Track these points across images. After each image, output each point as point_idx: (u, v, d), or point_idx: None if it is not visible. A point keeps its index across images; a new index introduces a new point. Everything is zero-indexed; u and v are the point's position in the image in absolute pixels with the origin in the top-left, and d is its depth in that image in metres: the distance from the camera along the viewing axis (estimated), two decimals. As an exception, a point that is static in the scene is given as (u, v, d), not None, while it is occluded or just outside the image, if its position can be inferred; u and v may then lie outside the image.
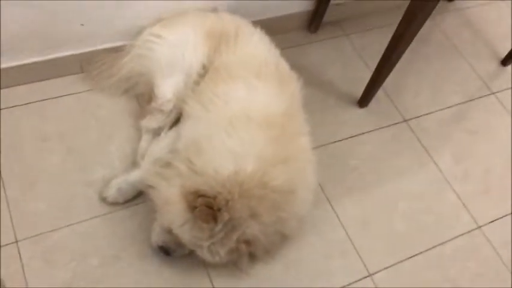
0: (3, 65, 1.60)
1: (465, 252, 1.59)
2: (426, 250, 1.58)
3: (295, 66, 1.61)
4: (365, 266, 1.51)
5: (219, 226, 1.26)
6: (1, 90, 1.64)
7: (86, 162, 1.55)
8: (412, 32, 1.52)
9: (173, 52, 1.58)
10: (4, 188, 1.46)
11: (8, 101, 1.63)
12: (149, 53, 1.61)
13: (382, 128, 1.85)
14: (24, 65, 1.62)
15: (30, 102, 1.65)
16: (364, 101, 1.85)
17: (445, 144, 1.86)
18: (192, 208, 1.26)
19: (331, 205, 1.62)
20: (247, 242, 1.32)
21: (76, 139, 1.59)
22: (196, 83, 1.56)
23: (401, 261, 1.54)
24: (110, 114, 1.66)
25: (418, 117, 1.91)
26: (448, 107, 1.98)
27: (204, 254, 1.31)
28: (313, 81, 1.88)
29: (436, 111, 1.95)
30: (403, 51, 1.62)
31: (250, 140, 1.34)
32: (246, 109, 1.40)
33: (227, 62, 1.53)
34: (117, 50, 1.67)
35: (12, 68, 1.61)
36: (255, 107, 1.41)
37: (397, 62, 1.67)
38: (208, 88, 1.49)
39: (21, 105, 1.64)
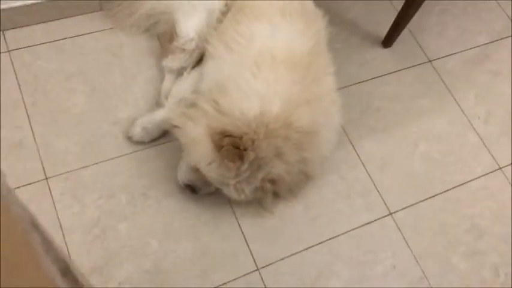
0: (21, 3, 1.57)
1: (485, 193, 1.61)
2: (446, 190, 1.60)
3: (318, 3, 1.57)
4: (385, 204, 1.54)
5: (245, 165, 1.28)
6: (20, 29, 1.63)
7: (110, 101, 1.56)
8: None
9: (195, -11, 1.54)
10: (31, 126, 1.48)
11: (28, 40, 1.62)
12: (170, -10, 1.57)
13: (406, 68, 1.82)
14: (42, 2, 1.59)
15: (48, 42, 1.63)
16: (388, 40, 1.81)
17: (468, 85, 1.83)
18: (219, 147, 1.28)
19: (352, 145, 1.63)
20: (272, 181, 1.35)
21: (99, 78, 1.59)
22: (219, 21, 1.53)
23: (422, 201, 1.57)
24: (131, 54, 1.65)
25: (442, 57, 1.88)
26: (473, 47, 1.93)
27: (230, 192, 1.34)
28: (336, 19, 1.83)
29: (461, 51, 1.91)
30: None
31: (275, 81, 1.33)
32: (271, 48, 1.38)
33: (250, -1, 1.50)
34: (137, -13, 1.63)
35: (30, 5, 1.58)
36: (280, 46, 1.39)
37: (422, 3, 1.61)
38: (232, 27, 1.46)
39: (42, 44, 1.62)
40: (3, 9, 1.55)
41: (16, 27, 1.62)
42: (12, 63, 1.57)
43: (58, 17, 1.66)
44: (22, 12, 1.58)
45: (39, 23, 1.64)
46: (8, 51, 1.58)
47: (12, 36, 1.61)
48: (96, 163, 1.46)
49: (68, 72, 1.58)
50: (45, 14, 1.63)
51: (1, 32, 1.60)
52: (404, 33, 1.83)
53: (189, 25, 1.54)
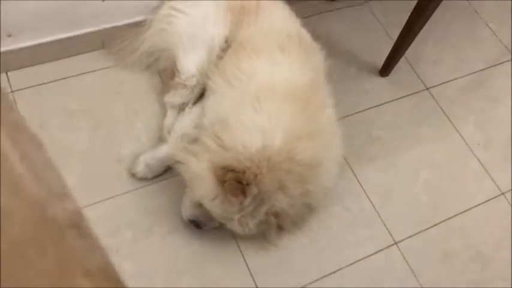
0: (24, 44, 1.60)
1: (489, 219, 1.62)
2: (449, 218, 1.60)
3: (315, 35, 1.60)
4: (390, 234, 1.54)
5: (248, 200, 1.28)
6: (23, 70, 1.65)
7: (113, 138, 1.58)
8: (435, 3, 1.50)
9: (194, 26, 1.57)
10: (35, 166, 1.49)
11: (31, 80, 1.64)
12: (170, 27, 1.60)
13: (404, 96, 1.84)
14: (45, 43, 1.62)
15: (51, 81, 1.65)
16: (385, 70, 1.84)
17: (467, 111, 1.86)
18: (222, 183, 1.29)
19: (355, 175, 1.64)
20: (276, 214, 1.35)
21: (102, 116, 1.61)
22: (219, 57, 1.56)
23: (426, 230, 1.57)
24: (133, 90, 1.67)
25: (439, 85, 1.91)
26: (470, 74, 1.97)
27: (234, 226, 1.34)
28: (333, 51, 1.84)
29: (458, 78, 1.94)
30: (426, 21, 1.60)
31: (276, 115, 1.35)
32: (271, 83, 1.40)
33: (250, 35, 1.53)
34: (137, 25, 1.67)
35: (32, 46, 1.61)
36: (280, 81, 1.41)
37: (419, 31, 1.65)
38: (232, 63, 1.49)
39: (45, 83, 1.64)
40: (7, 51, 1.58)
41: (19, 68, 1.65)
42: (15, 103, 1.59)
43: (61, 56, 1.69)
44: (25, 53, 1.61)
45: (42, 63, 1.67)
46: (12, 91, 1.61)
47: (16, 76, 1.64)
48: (101, 201, 1.47)
49: (71, 110, 1.60)
50: (48, 53, 1.66)
51: (5, 73, 1.63)
52: (401, 62, 1.87)
53: (190, 61, 1.56)
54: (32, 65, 1.66)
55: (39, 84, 1.64)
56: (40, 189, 0.50)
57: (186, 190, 1.42)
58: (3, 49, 1.56)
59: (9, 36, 1.55)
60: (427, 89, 1.88)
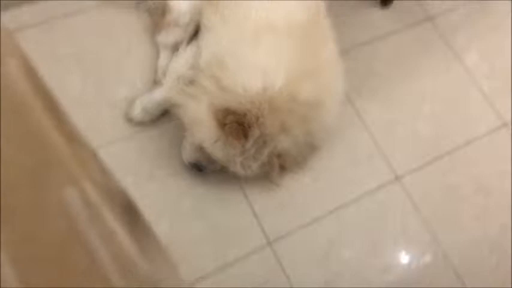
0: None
1: (491, 151, 1.61)
2: (452, 150, 1.59)
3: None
4: (392, 169, 1.54)
5: (251, 142, 1.26)
6: (7, 11, 1.55)
7: (106, 82, 1.52)
8: None
9: (185, -42, 1.47)
10: (28, 114, 1.44)
11: (16, 23, 1.55)
12: (158, -40, 1.50)
13: (406, 27, 1.77)
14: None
15: (37, 23, 1.57)
16: (386, 0, 1.76)
17: (471, 40, 1.79)
18: (223, 125, 1.25)
19: (356, 111, 1.61)
20: (279, 155, 1.33)
21: (92, 59, 1.54)
22: (213, -9, 1.47)
23: (428, 163, 1.56)
24: (123, 31, 1.59)
25: (442, 13, 1.83)
26: (475, 0, 1.88)
27: (237, 168, 1.33)
28: (331, -20, 1.78)
29: (461, 6, 1.86)
30: None
31: (276, 53, 1.29)
32: (270, 18, 1.33)
33: (245, -33, 1.43)
34: (124, -40, 1.56)
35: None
36: (279, 16, 1.34)
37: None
38: (227, -3, 1.41)
39: (28, 27, 1.56)
40: (-14, -8, 1.48)
41: (2, 10, 1.55)
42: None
43: (44, -4, 1.59)
44: (5, -6, 1.52)
45: (24, 5, 1.57)
46: (-5, 35, 1.52)
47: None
48: (99, 147, 1.43)
49: (60, 54, 1.53)
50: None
51: (-14, 17, 1.54)
52: (403, -9, 1.78)
53: (181, -2, 1.48)
54: (14, 7, 1.56)
55: (23, 27, 1.55)
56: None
57: (185, 133, 1.39)
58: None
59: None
60: (430, 18, 1.81)
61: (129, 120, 1.47)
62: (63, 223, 0.42)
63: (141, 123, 1.47)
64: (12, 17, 1.55)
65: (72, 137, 0.48)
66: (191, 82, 1.38)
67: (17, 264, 0.39)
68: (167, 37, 1.52)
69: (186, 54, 1.47)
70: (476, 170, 1.58)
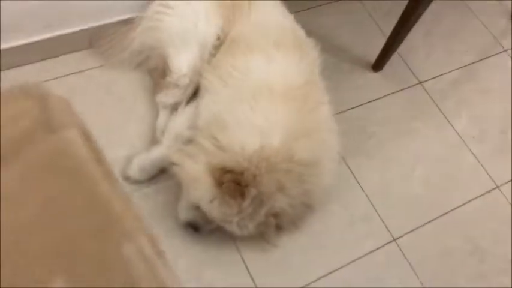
0: (9, 44, 1.54)
1: (485, 213, 1.62)
2: (446, 212, 1.60)
3: (306, 30, 1.58)
4: (389, 231, 1.54)
5: (248, 202, 1.26)
6: (8, 71, 1.59)
7: (105, 141, 1.48)
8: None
9: (185, 23, 1.53)
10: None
11: (16, 82, 1.58)
12: (160, 25, 1.55)
13: (397, 91, 1.83)
14: (31, 43, 1.56)
15: (41, 81, 1.59)
16: (378, 65, 1.83)
17: (460, 105, 1.86)
18: (220, 184, 1.26)
19: (351, 172, 1.62)
20: (275, 215, 1.33)
21: (91, 118, 1.53)
22: (212, 54, 1.52)
23: (423, 225, 1.57)
24: (123, 91, 1.63)
25: (431, 78, 1.90)
26: (461, 67, 1.96)
27: (233, 228, 1.32)
28: (325, 46, 1.80)
29: (450, 71, 1.94)
30: (420, 15, 1.59)
31: (273, 114, 1.32)
32: (267, 81, 1.38)
33: (243, 32, 1.50)
34: (126, 23, 1.61)
35: (18, 47, 1.55)
36: (276, 79, 1.38)
37: (413, 26, 1.64)
38: (226, 60, 1.46)
39: (30, 84, 1.59)
40: (-8, 52, 1.52)
41: (4, 70, 1.59)
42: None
43: (47, 56, 1.63)
44: (9, 54, 1.55)
45: (28, 63, 1.61)
46: None
47: (4, 77, 1.58)
48: (94, 205, 1.43)
49: (59, 113, 1.55)
50: (34, 54, 1.60)
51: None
52: (394, 57, 1.85)
53: (182, 60, 1.52)
54: (17, 66, 1.60)
55: (25, 86, 1.58)
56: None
57: (182, 192, 1.39)
58: (-14, 50, 1.50)
59: (-9, 36, 1.49)
60: (420, 83, 1.87)
61: (126, 178, 1.47)
62: (124, 274, 0.47)
63: (137, 182, 1.47)
64: (14, 75, 1.59)
65: (124, 196, 0.51)
66: (189, 141, 1.40)
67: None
68: (167, 97, 1.55)
69: (185, 114, 1.50)
70: (471, 232, 1.58)
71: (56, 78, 1.61)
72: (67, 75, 1.63)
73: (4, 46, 1.53)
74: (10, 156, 0.47)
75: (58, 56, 1.65)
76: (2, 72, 1.58)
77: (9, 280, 0.42)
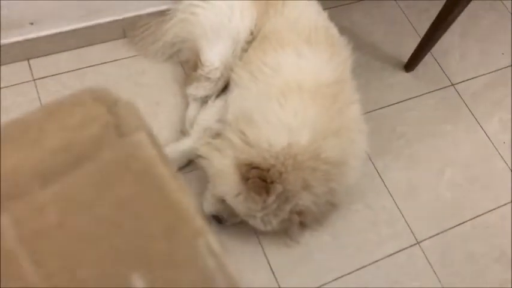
0: (46, 32, 1.58)
1: (513, 221, 1.59)
2: (474, 218, 1.58)
3: (339, 27, 1.56)
4: (413, 233, 1.53)
5: (272, 198, 1.27)
6: (45, 58, 1.63)
7: (135, 130, 1.56)
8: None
9: (218, 17, 1.53)
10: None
11: (53, 68, 1.62)
12: (194, 18, 1.56)
13: (429, 92, 1.81)
14: (66, 31, 1.60)
15: (72, 70, 1.63)
16: (411, 65, 1.80)
17: (492, 108, 1.82)
18: (246, 179, 1.27)
19: (378, 172, 1.61)
20: (299, 213, 1.34)
21: (123, 107, 1.59)
22: (244, 50, 1.53)
23: (449, 229, 1.55)
24: (155, 81, 1.65)
25: (465, 81, 1.86)
26: (496, 70, 1.92)
27: (257, 223, 1.33)
28: (357, 44, 1.79)
29: (484, 74, 1.90)
30: (457, 16, 1.56)
31: (302, 111, 1.32)
32: (297, 78, 1.37)
33: (275, 27, 1.49)
34: (161, 15, 1.63)
35: (54, 34, 1.59)
36: (306, 76, 1.38)
37: (449, 26, 1.61)
38: (257, 56, 1.46)
39: (64, 73, 1.62)
40: (29, 39, 1.56)
41: (41, 56, 1.63)
42: (37, 92, 1.58)
43: (82, 44, 1.67)
44: (47, 41, 1.59)
45: (64, 51, 1.65)
46: (34, 79, 1.59)
47: (37, 64, 1.62)
48: (122, 193, 1.46)
49: (92, 101, 1.58)
50: (69, 42, 1.64)
51: (27, 61, 1.61)
52: (427, 57, 1.82)
53: (214, 53, 1.53)
54: (53, 53, 1.64)
55: (60, 73, 1.62)
56: None
57: (208, 185, 1.41)
58: (26, 37, 1.54)
59: (31, 24, 1.52)
60: (453, 85, 1.84)
61: (154, 168, 1.50)
62: (196, 271, 0.50)
63: (165, 172, 1.50)
64: (49, 63, 1.63)
65: (189, 196, 0.54)
66: (217, 135, 1.42)
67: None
68: (197, 90, 1.56)
69: (214, 107, 1.52)
70: (497, 239, 1.55)
71: (90, 66, 1.65)
72: (101, 63, 1.66)
73: (43, 33, 1.57)
74: (82, 161, 0.50)
75: (93, 45, 1.68)
76: (41, 58, 1.62)
77: (92, 278, 0.45)
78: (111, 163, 0.51)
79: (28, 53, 1.60)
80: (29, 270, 0.45)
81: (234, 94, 1.46)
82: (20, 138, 0.52)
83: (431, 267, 1.48)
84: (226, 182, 1.31)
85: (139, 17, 1.66)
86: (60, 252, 0.46)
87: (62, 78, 1.62)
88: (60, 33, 1.59)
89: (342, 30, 1.56)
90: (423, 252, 1.50)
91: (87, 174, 0.50)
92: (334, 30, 1.54)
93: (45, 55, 1.63)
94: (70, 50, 1.66)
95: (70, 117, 0.54)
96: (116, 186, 0.50)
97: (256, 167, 1.26)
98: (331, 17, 1.58)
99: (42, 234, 0.46)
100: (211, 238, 0.52)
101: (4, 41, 1.53)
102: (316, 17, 1.53)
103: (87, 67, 1.65)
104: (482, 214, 1.59)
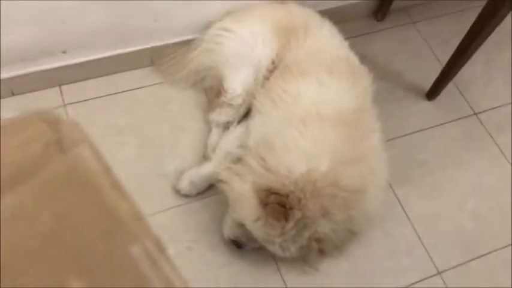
0: (77, 60, 1.65)
1: (539, 253, 1.56)
2: (497, 249, 1.55)
3: (360, 56, 1.59)
4: (434, 263, 1.51)
5: (291, 224, 1.28)
6: (76, 84, 1.71)
7: (159, 154, 1.61)
8: (491, 27, 1.46)
9: (242, 46, 1.59)
10: (84, 179, 1.53)
11: (80, 95, 1.69)
12: (218, 47, 1.62)
13: (451, 121, 1.80)
14: (97, 59, 1.67)
15: (101, 96, 1.70)
16: (433, 93, 1.81)
17: (516, 139, 1.80)
18: (265, 205, 1.28)
19: (398, 201, 1.61)
20: (318, 240, 1.33)
21: (148, 132, 1.64)
22: (266, 78, 1.57)
23: (471, 260, 1.52)
24: (180, 108, 1.70)
25: (488, 110, 1.85)
26: (520, 100, 1.91)
27: (276, 249, 1.34)
28: (379, 72, 1.82)
29: (508, 103, 1.88)
30: (479, 45, 1.57)
31: (322, 139, 1.34)
32: (318, 106, 1.39)
33: (297, 57, 1.53)
34: (186, 44, 1.70)
35: (85, 62, 1.66)
36: (327, 104, 1.40)
37: (471, 55, 1.61)
38: (278, 84, 1.49)
39: (93, 98, 1.69)
40: (61, 67, 1.63)
41: (72, 83, 1.70)
42: (67, 116, 1.64)
43: (111, 72, 1.74)
44: (78, 69, 1.67)
45: (94, 77, 1.72)
46: (64, 105, 1.66)
47: (68, 90, 1.69)
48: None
49: (119, 126, 1.64)
50: (99, 69, 1.71)
51: (59, 87, 1.69)
52: (449, 85, 1.82)
53: (236, 81, 1.58)
54: (84, 80, 1.71)
55: (90, 99, 1.69)
56: None
57: (228, 209, 1.43)
58: (58, 64, 1.62)
59: (63, 52, 1.60)
60: (475, 114, 1.83)
61: (177, 191, 1.53)
62: (131, 274, 0.53)
63: (187, 195, 1.53)
64: (79, 89, 1.70)
65: (131, 203, 0.59)
66: (238, 160, 1.45)
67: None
68: (220, 116, 1.61)
69: (236, 133, 1.55)
70: (522, 271, 1.52)
71: (118, 93, 1.71)
72: (129, 90, 1.72)
73: (74, 61, 1.65)
74: (24, 178, 0.55)
75: (122, 72, 1.75)
76: (71, 85, 1.70)
77: (32, 284, 0.50)
78: (52, 178, 0.56)
79: (60, 79, 1.68)
80: None
81: (255, 120, 1.50)
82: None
83: (453, 298, 1.45)
84: (246, 206, 1.32)
85: (166, 46, 1.72)
86: (5, 265, 0.51)
87: (92, 103, 1.68)
88: (91, 61, 1.67)
89: (363, 58, 1.58)
90: (444, 283, 1.47)
91: (29, 189, 0.55)
92: (355, 59, 1.57)
93: (76, 81, 1.71)
94: (100, 76, 1.73)
95: (15, 136, 0.59)
96: (56, 199, 0.55)
97: (275, 193, 1.28)
98: (353, 46, 1.61)
99: None
100: (148, 241, 0.56)
101: (38, 68, 1.61)
102: (338, 47, 1.57)
103: (115, 93, 1.71)
104: (506, 246, 1.56)
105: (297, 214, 1.26)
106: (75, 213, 0.55)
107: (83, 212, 0.55)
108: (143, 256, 0.54)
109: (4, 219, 0.53)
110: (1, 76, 1.57)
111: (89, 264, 0.52)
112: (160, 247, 0.56)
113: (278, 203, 1.27)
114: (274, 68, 1.56)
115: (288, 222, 1.27)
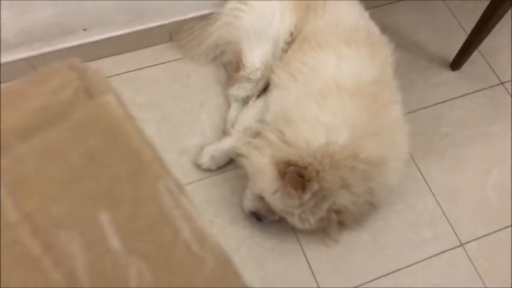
0: (97, 37, 1.67)
1: None
2: (521, 221, 1.53)
3: (383, 25, 1.55)
4: (456, 235, 1.49)
5: (308, 195, 1.28)
6: (96, 62, 1.73)
7: (179, 130, 1.62)
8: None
9: (260, 20, 1.57)
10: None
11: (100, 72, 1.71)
12: (236, 21, 1.61)
13: (476, 91, 1.76)
14: (116, 36, 1.68)
15: (121, 73, 1.72)
16: (457, 63, 1.76)
17: (544, 107, 1.75)
18: (283, 175, 1.29)
19: (421, 173, 1.59)
20: (338, 211, 1.34)
21: (168, 108, 1.66)
22: (284, 51, 1.55)
23: (495, 231, 1.50)
24: (199, 83, 1.71)
25: (514, 78, 1.80)
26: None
27: (295, 221, 1.35)
28: (401, 42, 1.79)
29: (534, 71, 1.82)
30: (504, 13, 1.51)
31: (341, 111, 1.33)
32: (337, 78, 1.38)
33: (315, 29, 1.51)
34: (205, 19, 1.69)
35: (104, 39, 1.68)
36: (346, 76, 1.38)
37: (496, 24, 1.56)
38: (296, 57, 1.48)
39: (113, 75, 1.71)
40: (82, 44, 1.65)
41: (92, 60, 1.72)
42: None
43: (130, 49, 1.75)
44: (94, 46, 1.69)
45: (114, 55, 1.74)
46: (86, 82, 1.68)
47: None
48: (166, 190, 1.52)
49: (139, 103, 1.66)
50: (119, 46, 1.72)
51: (80, 65, 1.71)
52: (474, 55, 1.77)
53: (255, 55, 1.57)
54: (103, 57, 1.73)
55: (109, 76, 1.71)
56: None
57: (248, 182, 1.44)
58: (79, 42, 1.64)
59: (84, 30, 1.62)
60: (502, 83, 1.78)
61: (197, 166, 1.55)
62: (155, 207, 0.60)
63: (207, 170, 1.55)
64: (99, 67, 1.71)
65: (152, 146, 0.66)
66: (257, 134, 1.45)
67: (123, 236, 0.57)
68: (239, 91, 1.61)
69: (255, 108, 1.55)
70: (548, 243, 1.49)
71: (137, 69, 1.73)
72: (148, 66, 1.74)
73: (95, 38, 1.67)
74: (57, 120, 0.61)
75: (141, 49, 1.76)
76: (89, 63, 1.72)
77: (65, 215, 0.56)
78: (82, 121, 0.62)
79: (81, 57, 1.69)
80: (10, 209, 0.55)
81: (273, 94, 1.49)
82: (4, 102, 0.62)
83: (476, 270, 1.44)
84: (265, 179, 1.33)
85: (185, 21, 1.72)
86: (37, 194, 0.57)
87: (111, 80, 1.69)
88: (110, 38, 1.68)
89: (385, 29, 1.55)
90: (467, 255, 1.46)
91: (62, 130, 0.61)
92: (375, 29, 1.53)
93: (96, 59, 1.73)
94: (120, 53, 1.75)
95: (47, 84, 0.65)
96: (86, 139, 0.61)
97: (294, 165, 1.28)
98: (374, 17, 1.57)
99: (21, 180, 0.57)
100: (169, 181, 0.63)
101: (61, 46, 1.63)
102: (357, 18, 1.53)
103: (135, 70, 1.73)
104: (531, 217, 1.53)
105: (315, 186, 1.27)
106: (104, 153, 0.61)
107: (111, 152, 0.61)
108: (165, 191, 0.61)
109: (39, 153, 0.59)
110: (24, 54, 1.60)
111: (117, 199, 0.58)
112: (181, 188, 0.64)
113: (297, 173, 1.28)
114: (292, 40, 1.54)
115: (305, 193, 1.27)
